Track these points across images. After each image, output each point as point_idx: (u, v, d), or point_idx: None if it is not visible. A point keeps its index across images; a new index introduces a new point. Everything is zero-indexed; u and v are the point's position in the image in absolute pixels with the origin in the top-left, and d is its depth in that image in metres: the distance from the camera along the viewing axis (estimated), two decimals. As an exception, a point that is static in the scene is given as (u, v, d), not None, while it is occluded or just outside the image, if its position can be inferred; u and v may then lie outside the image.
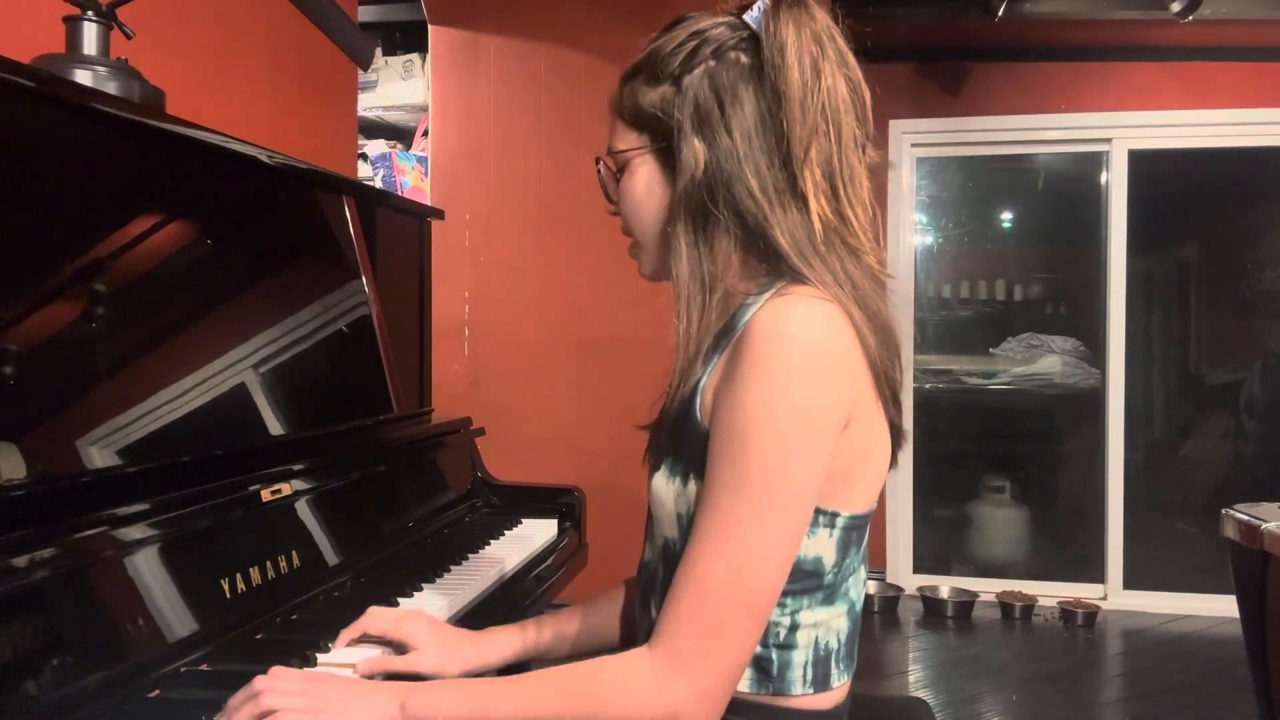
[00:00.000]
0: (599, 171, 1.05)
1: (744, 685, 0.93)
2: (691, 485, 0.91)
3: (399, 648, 1.06)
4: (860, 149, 0.95)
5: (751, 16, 0.96)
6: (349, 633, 1.07)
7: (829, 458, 0.87)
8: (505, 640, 1.11)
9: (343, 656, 1.04)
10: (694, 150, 0.94)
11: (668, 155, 0.97)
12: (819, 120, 0.91)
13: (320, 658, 1.04)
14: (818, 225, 0.92)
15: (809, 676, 0.94)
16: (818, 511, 0.91)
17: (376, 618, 1.07)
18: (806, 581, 0.92)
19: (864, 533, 0.97)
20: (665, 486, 0.95)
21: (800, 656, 0.93)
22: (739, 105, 0.93)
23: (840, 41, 0.95)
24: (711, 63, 0.95)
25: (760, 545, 0.84)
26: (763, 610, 0.86)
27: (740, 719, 0.93)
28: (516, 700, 0.87)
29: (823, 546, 0.92)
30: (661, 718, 0.83)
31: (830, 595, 0.94)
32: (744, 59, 0.94)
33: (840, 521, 0.92)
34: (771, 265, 0.94)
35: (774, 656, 0.93)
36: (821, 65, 0.92)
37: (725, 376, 0.89)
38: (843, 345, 0.88)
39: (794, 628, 0.92)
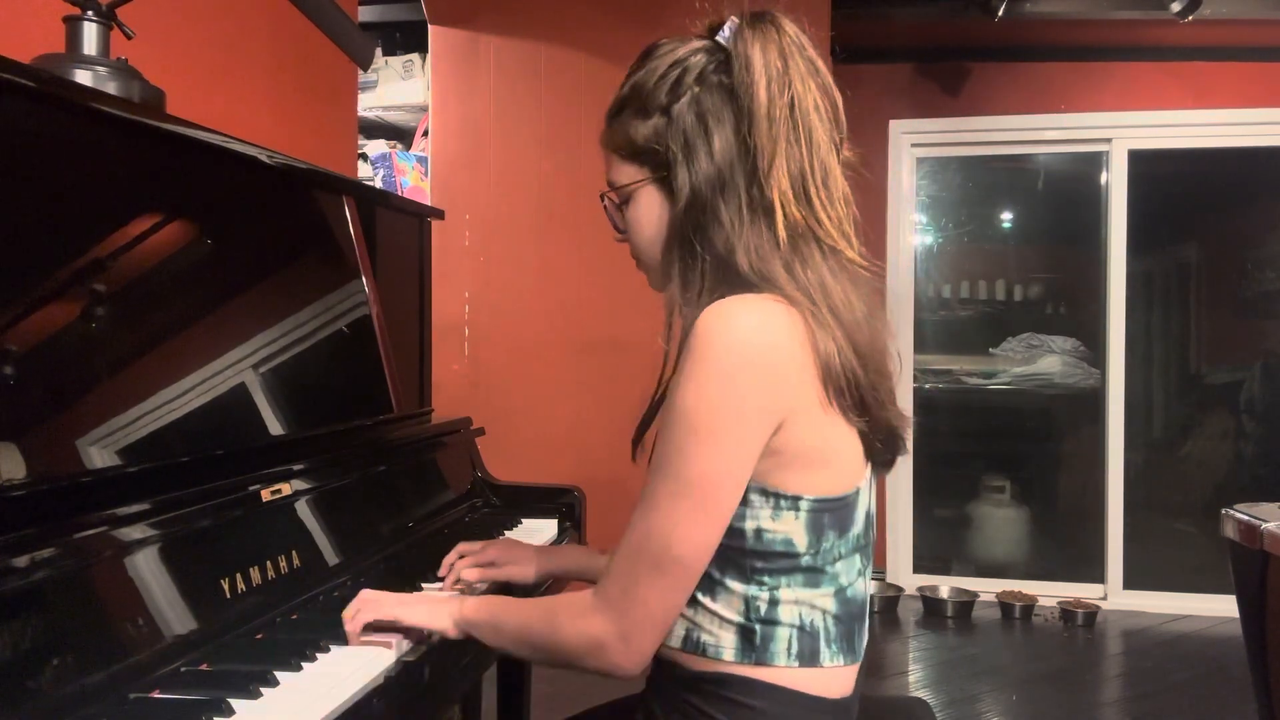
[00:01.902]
0: (605, 206, 1.10)
1: (729, 655, 0.97)
2: None
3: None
4: (835, 150, 1.00)
5: (724, 36, 1.01)
6: (447, 568, 1.34)
7: (753, 448, 0.93)
8: (571, 555, 1.41)
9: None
10: (684, 178, 1.00)
11: (668, 184, 1.02)
12: (785, 130, 0.97)
13: (425, 586, 1.32)
14: (782, 233, 0.97)
15: (793, 650, 0.97)
16: (778, 496, 0.95)
17: (460, 552, 1.35)
18: (781, 561, 0.96)
19: (845, 516, 0.98)
20: None
21: (784, 631, 0.97)
22: (721, 127, 0.99)
23: (810, 50, 1.00)
24: (696, 89, 1.00)
25: (669, 518, 0.92)
26: (673, 572, 0.93)
27: (730, 692, 0.96)
28: (515, 614, 1.05)
29: (790, 528, 0.95)
30: (587, 645, 0.96)
31: (813, 578, 0.97)
32: (724, 80, 1.00)
33: (805, 504, 0.95)
34: (739, 280, 0.98)
35: (758, 629, 0.96)
36: (789, 76, 0.97)
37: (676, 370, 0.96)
38: (776, 346, 0.92)
39: (774, 602, 0.96)
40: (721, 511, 0.93)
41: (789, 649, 0.96)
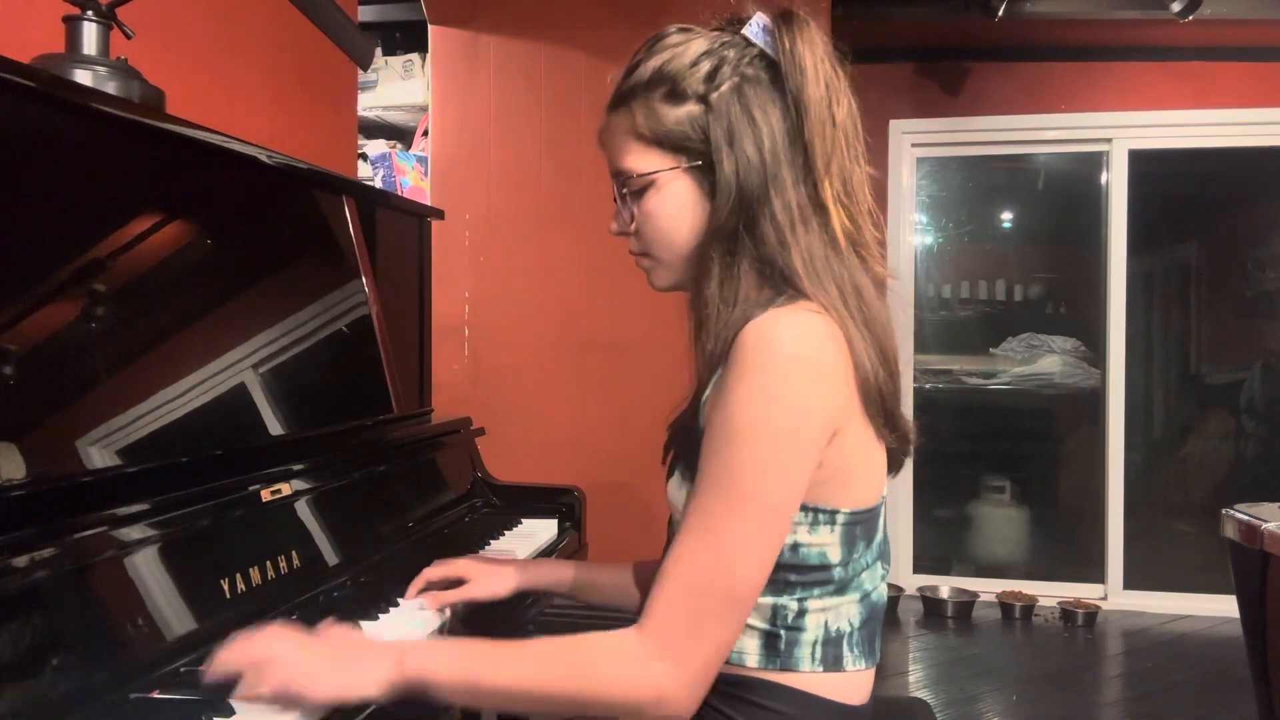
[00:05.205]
0: (623, 195, 1.02)
1: (751, 661, 0.96)
2: None
3: (456, 584, 1.22)
4: (861, 159, 0.99)
5: (754, 33, 0.98)
6: (415, 584, 1.23)
7: (813, 464, 0.90)
8: (547, 570, 1.29)
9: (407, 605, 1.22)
10: (730, 168, 0.95)
11: (703, 174, 0.98)
12: (832, 131, 0.95)
13: (393, 610, 1.20)
14: (840, 234, 0.95)
15: (817, 655, 0.96)
16: (816, 510, 0.93)
17: (433, 566, 1.25)
18: (815, 575, 0.95)
19: (872, 527, 0.99)
20: (677, 491, 0.98)
21: (809, 636, 0.96)
22: (768, 121, 0.95)
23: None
24: (735, 79, 0.96)
25: (739, 542, 0.87)
26: (744, 601, 0.89)
27: (752, 696, 0.95)
28: (508, 669, 0.89)
29: (826, 542, 0.94)
30: (649, 698, 0.87)
31: (842, 588, 0.96)
32: (763, 75, 0.97)
33: (841, 518, 0.94)
34: (784, 281, 0.95)
35: (782, 635, 0.95)
36: (837, 79, 0.96)
37: (719, 384, 0.91)
38: (829, 359, 0.90)
39: (802, 612, 0.95)
40: (783, 530, 0.91)
41: (813, 654, 0.95)
